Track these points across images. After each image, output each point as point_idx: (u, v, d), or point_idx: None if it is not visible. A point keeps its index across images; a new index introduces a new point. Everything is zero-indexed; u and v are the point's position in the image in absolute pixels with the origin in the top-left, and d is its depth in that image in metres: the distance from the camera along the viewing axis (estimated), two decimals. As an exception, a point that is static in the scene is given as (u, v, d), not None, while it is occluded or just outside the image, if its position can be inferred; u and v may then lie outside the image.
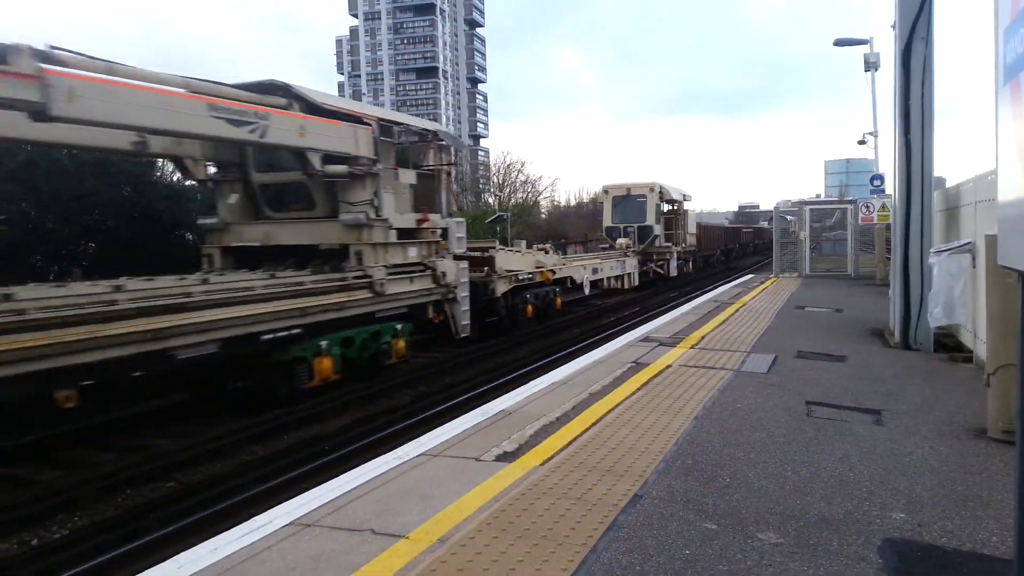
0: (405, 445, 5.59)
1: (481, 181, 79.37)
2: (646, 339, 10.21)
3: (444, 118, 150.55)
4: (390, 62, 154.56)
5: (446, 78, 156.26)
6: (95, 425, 8.84)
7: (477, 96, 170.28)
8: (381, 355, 12.11)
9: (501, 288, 16.09)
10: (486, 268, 15.79)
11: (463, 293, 14.26)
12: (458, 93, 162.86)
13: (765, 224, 59.07)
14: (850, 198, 31.70)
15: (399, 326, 12.56)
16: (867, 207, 21.70)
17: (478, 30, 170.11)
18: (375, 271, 11.85)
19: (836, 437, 5.49)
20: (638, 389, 7.06)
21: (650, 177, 30.32)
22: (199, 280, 9.75)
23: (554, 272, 19.01)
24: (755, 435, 5.51)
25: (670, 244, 29.64)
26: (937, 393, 6.95)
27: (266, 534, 3.87)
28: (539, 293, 18.21)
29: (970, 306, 8.21)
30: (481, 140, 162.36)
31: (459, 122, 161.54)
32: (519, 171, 69.86)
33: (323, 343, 10.68)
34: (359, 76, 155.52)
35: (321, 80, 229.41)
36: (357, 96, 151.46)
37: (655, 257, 28.95)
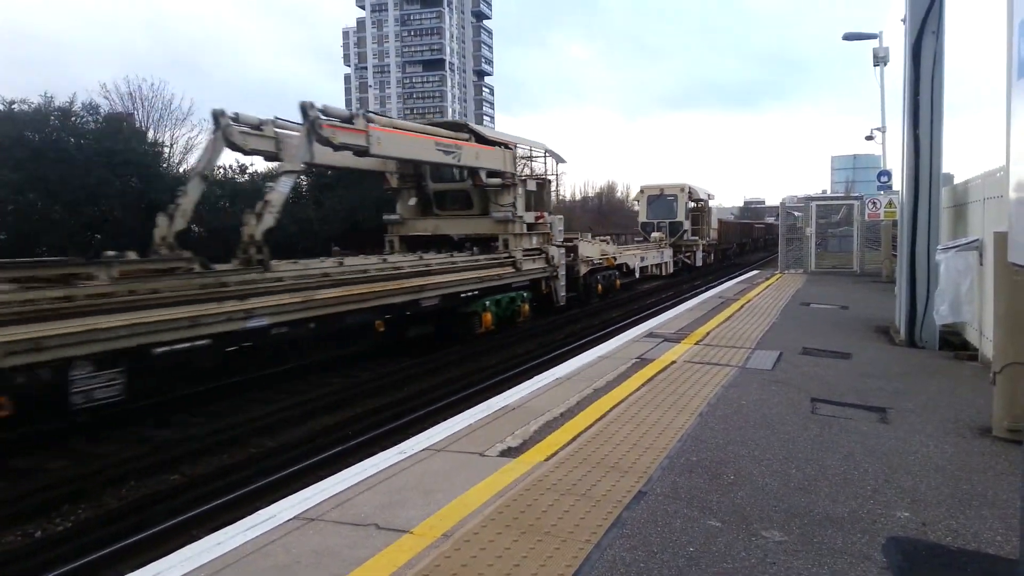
0: (410, 439, 5.59)
1: (487, 174, 79.14)
2: (651, 335, 10.19)
3: (450, 111, 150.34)
4: (397, 54, 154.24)
5: (452, 70, 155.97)
6: (102, 418, 8.86)
7: (483, 88, 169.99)
8: (515, 314, 16.78)
9: (583, 270, 20.80)
10: (572, 254, 20.11)
11: (562, 272, 19.00)
12: (464, 85, 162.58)
13: (771, 220, 60.30)
14: (856, 194, 31.62)
15: (525, 294, 17.31)
16: (874, 203, 21.60)
17: (485, 22, 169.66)
18: (516, 253, 16.93)
19: (841, 435, 5.48)
20: (642, 385, 7.05)
21: (679, 179, 36.05)
22: (411, 258, 14.70)
23: (615, 259, 23.72)
24: (760, 432, 5.50)
25: (696, 238, 33.79)
26: (942, 391, 6.92)
27: (271, 527, 3.88)
28: (606, 275, 22.89)
29: (976, 304, 8.18)
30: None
31: (465, 115, 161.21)
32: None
33: (487, 302, 15.49)
34: (365, 68, 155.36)
35: (328, 72, 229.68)
36: (363, 88, 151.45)
37: (683, 249, 32.68)
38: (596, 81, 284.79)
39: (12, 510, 6.66)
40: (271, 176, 20.82)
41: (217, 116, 11.96)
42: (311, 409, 10.09)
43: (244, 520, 4.13)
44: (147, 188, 17.62)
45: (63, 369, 7.21)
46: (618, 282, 23.93)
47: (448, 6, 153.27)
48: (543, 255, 18.28)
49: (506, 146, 17.42)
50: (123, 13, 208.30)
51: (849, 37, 25.38)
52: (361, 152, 12.65)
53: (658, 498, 4.19)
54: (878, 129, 28.07)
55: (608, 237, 25.47)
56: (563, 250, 19.22)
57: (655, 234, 31.35)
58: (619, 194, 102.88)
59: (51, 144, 19.59)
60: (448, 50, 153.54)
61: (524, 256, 17.23)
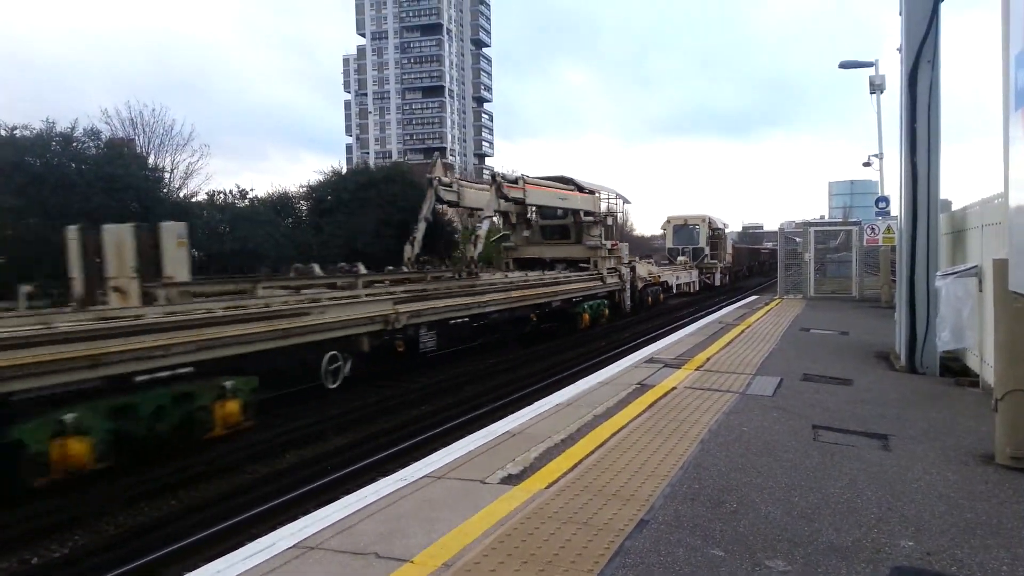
0: (410, 466, 5.57)
1: (486, 200, 79.46)
2: (651, 360, 10.17)
3: (449, 137, 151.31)
4: (396, 81, 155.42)
5: (452, 97, 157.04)
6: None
7: (483, 115, 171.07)
8: (599, 316, 22.82)
9: (640, 285, 26.80)
10: (632, 273, 25.91)
11: (628, 286, 25.25)
12: (464, 112, 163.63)
13: (770, 245, 63.11)
14: (855, 219, 31.85)
15: (605, 301, 23.51)
16: (872, 229, 21.67)
17: (484, 50, 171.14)
18: (603, 272, 23.48)
19: (843, 462, 5.45)
20: (643, 411, 7.03)
21: (700, 211, 42.02)
22: (535, 273, 20.99)
23: (660, 277, 30.05)
24: (762, 459, 5.47)
25: (715, 261, 39.56)
26: (944, 418, 6.90)
27: (269, 556, 3.84)
28: (653, 290, 28.66)
29: (977, 330, 8.18)
30: (486, 159, 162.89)
31: (464, 141, 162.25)
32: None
33: (586, 305, 21.77)
34: (366, 94, 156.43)
35: (328, 98, 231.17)
36: (364, 114, 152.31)
37: (704, 271, 38.16)
38: (594, 108, 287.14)
39: (7, 535, 6.61)
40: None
41: (431, 180, 18.60)
42: (319, 430, 10.06)
43: (243, 548, 4.10)
44: (147, 213, 17.66)
45: (417, 329, 13.84)
46: (662, 296, 30.28)
47: (448, 34, 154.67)
48: (617, 273, 24.58)
49: (593, 192, 25.03)
50: (124, 39, 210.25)
51: (845, 65, 25.57)
52: (519, 202, 21.09)
53: (660, 527, 4.15)
54: (875, 155, 28.20)
55: (652, 261, 32.49)
56: (628, 270, 25.50)
57: (680, 258, 36.81)
58: (618, 219, 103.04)
59: (52, 169, 19.66)
60: (448, 77, 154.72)
61: (607, 274, 23.73)
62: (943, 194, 9.52)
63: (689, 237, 39.07)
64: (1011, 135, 2.89)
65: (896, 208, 11.67)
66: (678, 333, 14.15)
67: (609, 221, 25.61)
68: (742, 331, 13.78)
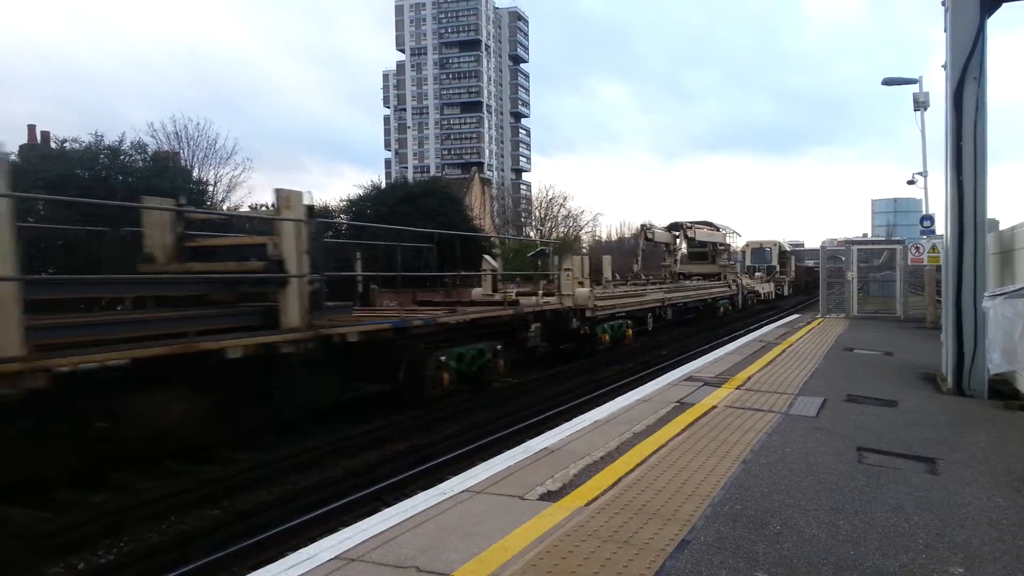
0: (448, 480, 5.59)
1: (523, 215, 79.76)
2: (690, 378, 10.10)
3: (487, 152, 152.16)
4: (435, 96, 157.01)
5: (490, 112, 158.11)
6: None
7: (520, 130, 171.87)
8: (726, 311, 31.94)
9: (744, 292, 35.80)
10: (738, 283, 35.22)
11: (740, 293, 34.80)
12: (501, 127, 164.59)
13: (811, 263, 64.45)
14: (898, 238, 31.47)
15: (728, 302, 32.94)
16: (917, 248, 21.31)
17: (522, 65, 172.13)
18: (729, 281, 34.14)
19: (889, 485, 5.35)
20: (683, 430, 6.97)
21: (771, 236, 53.25)
22: (693, 281, 32.94)
23: (755, 287, 39.37)
24: (805, 481, 5.39)
25: (783, 276, 48.33)
26: (993, 442, 6.75)
27: (312, 567, 3.88)
28: (750, 296, 37.55)
29: (1027, 352, 7.99)
30: (523, 174, 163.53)
31: (502, 156, 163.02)
32: (561, 205, 70.20)
33: (721, 302, 31.75)
34: (404, 109, 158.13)
35: (367, 112, 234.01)
36: (402, 129, 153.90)
37: (776, 283, 45.87)
38: (631, 123, 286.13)
39: (55, 542, 6.73)
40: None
41: (645, 229, 32.20)
42: (355, 444, 10.13)
43: (285, 559, 4.15)
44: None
45: (667, 308, 24.60)
46: (755, 301, 38.82)
47: (486, 50, 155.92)
48: (735, 283, 34.70)
49: (719, 228, 38.34)
50: (164, 55, 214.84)
51: (889, 82, 25.29)
52: (690, 239, 35.59)
53: (702, 547, 4.11)
54: (920, 173, 27.86)
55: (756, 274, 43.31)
56: (739, 281, 35.50)
57: (757, 274, 44.36)
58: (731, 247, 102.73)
59: (100, 181, 20.15)
60: (486, 93, 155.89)
61: (732, 283, 34.27)
62: (990, 213, 9.35)
63: (763, 257, 48.52)
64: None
65: (941, 227, 11.48)
66: (718, 351, 14.02)
67: (732, 248, 39.91)
68: (783, 350, 13.62)
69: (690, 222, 35.84)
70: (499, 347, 13.72)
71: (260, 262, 9.68)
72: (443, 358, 12.01)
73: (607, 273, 25.89)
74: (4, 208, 6.52)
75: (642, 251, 33.27)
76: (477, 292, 18.68)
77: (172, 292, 9.62)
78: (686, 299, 27.09)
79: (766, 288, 42.83)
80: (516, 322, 14.75)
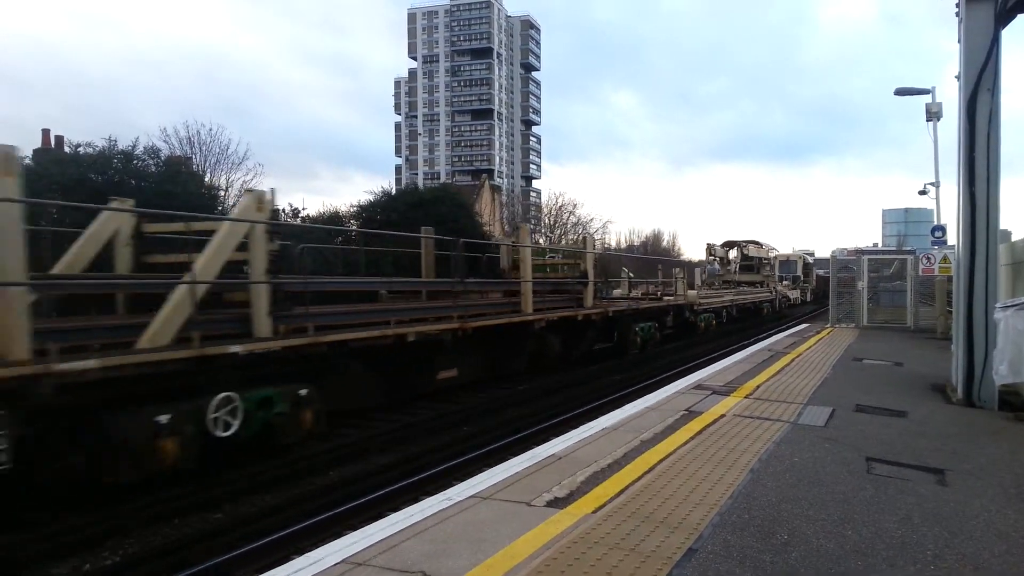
0: (455, 486, 5.59)
1: (532, 222, 79.83)
2: (699, 387, 10.07)
3: (497, 159, 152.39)
4: (446, 103, 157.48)
5: (501, 120, 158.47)
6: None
7: (531, 138, 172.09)
8: (766, 313, 38.70)
9: (779, 298, 42.35)
10: (775, 290, 41.97)
11: (777, 298, 41.27)
12: (512, 135, 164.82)
13: (821, 272, 66.55)
14: (909, 248, 31.46)
15: (770, 305, 39.51)
16: (928, 258, 21.21)
17: (534, 73, 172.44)
18: (771, 288, 41.49)
19: (898, 496, 5.32)
20: (691, 438, 6.95)
21: (781, 245, 60.00)
22: (741, 288, 39.98)
23: (787, 294, 45.38)
24: (813, 491, 5.37)
25: (807, 284, 54.37)
26: (1003, 453, 6.70)
27: (318, 571, 3.89)
28: (784, 300, 43.60)
29: (1038, 364, 7.93)
30: (533, 181, 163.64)
31: (512, 163, 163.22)
32: (571, 212, 70.26)
33: (763, 305, 38.43)
34: (415, 116, 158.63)
35: (377, 119, 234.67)
36: (413, 136, 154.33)
37: (800, 291, 51.79)
38: (642, 131, 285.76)
39: (59, 543, 6.76)
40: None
41: (710, 246, 43.97)
42: (364, 448, 10.16)
43: (290, 563, 4.15)
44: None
45: (724, 308, 30.63)
46: (787, 305, 44.83)
47: (498, 58, 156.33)
48: (775, 290, 41.22)
49: (762, 246, 45.69)
50: (179, 61, 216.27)
51: (901, 92, 25.18)
52: (746, 255, 44.86)
53: (709, 556, 4.10)
54: (931, 184, 27.70)
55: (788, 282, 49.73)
56: (777, 288, 42.08)
57: (784, 282, 48.80)
58: (664, 243, 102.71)
59: (113, 186, 20.25)
60: (497, 100, 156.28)
61: (773, 290, 40.53)
62: (1003, 224, 9.31)
63: (789, 268, 53.91)
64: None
65: (953, 237, 11.44)
66: (726, 360, 13.98)
67: (771, 260, 47.41)
68: (792, 359, 13.56)
69: (744, 241, 45.48)
70: (657, 325, 22.18)
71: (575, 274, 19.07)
72: (636, 328, 20.71)
73: (698, 280, 31.65)
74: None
75: (707, 265, 45.21)
76: (617, 292, 27.33)
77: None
78: (745, 301, 35.28)
79: (794, 294, 50.94)
80: (663, 311, 23.20)
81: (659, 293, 26.56)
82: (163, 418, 7.70)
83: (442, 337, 12.24)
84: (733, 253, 45.20)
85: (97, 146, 22.49)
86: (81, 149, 22.17)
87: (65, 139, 24.93)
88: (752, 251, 45.69)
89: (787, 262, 55.00)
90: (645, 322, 21.39)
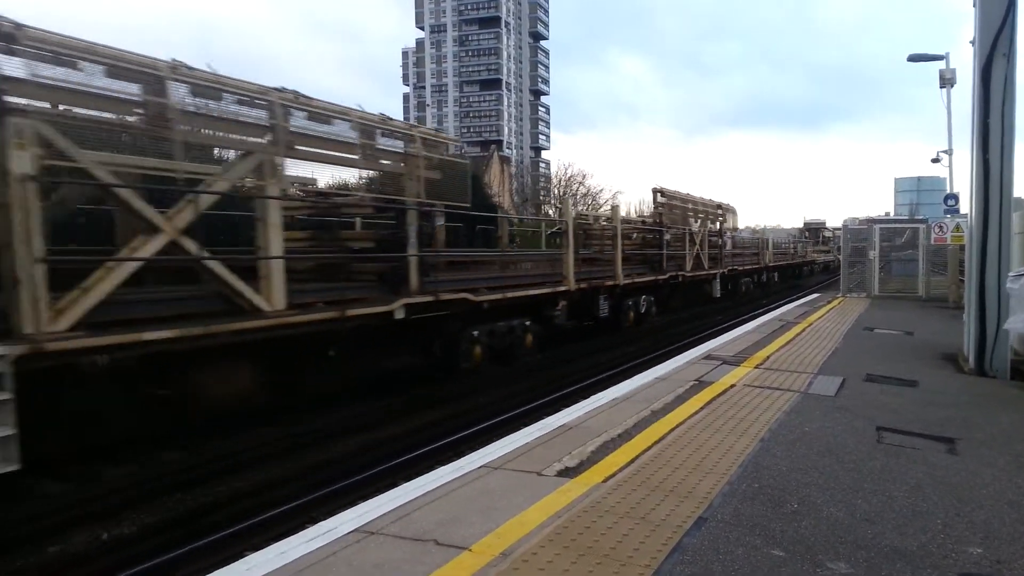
0: (467, 456, 5.63)
1: (542, 192, 79.48)
2: (708, 357, 10.07)
3: (506, 130, 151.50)
4: (454, 74, 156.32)
5: (509, 90, 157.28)
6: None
7: (539, 108, 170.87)
8: (804, 276, 50.42)
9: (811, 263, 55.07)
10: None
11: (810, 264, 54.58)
12: (520, 105, 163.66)
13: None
14: (921, 216, 31.20)
15: (807, 268, 51.83)
16: (940, 227, 21.02)
17: (542, 43, 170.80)
18: (806, 254, 55.50)
19: (908, 465, 5.33)
20: (701, 408, 6.97)
21: (794, 215, 66.90)
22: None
23: (815, 259, 55.32)
24: (823, 460, 5.38)
25: (830, 252, 58.80)
26: (1014, 422, 6.69)
27: (332, 539, 3.93)
28: (820, 264, 56.34)
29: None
30: (542, 152, 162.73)
31: (521, 133, 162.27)
32: (580, 183, 69.85)
33: (802, 269, 49.07)
34: (423, 87, 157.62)
35: (385, 90, 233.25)
36: (422, 107, 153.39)
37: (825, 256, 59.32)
38: (651, 98, 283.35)
39: (80, 512, 6.87)
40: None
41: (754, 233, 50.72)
42: (373, 419, 10.24)
43: (305, 531, 4.20)
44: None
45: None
46: (816, 269, 53.45)
47: (506, 27, 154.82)
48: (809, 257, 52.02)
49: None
50: (173, 25, 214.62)
51: (914, 58, 24.82)
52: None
53: (719, 525, 4.13)
54: (944, 151, 27.41)
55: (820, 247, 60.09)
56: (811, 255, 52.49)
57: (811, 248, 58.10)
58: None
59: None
60: (505, 70, 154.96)
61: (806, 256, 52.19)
62: (1017, 192, 9.22)
63: (815, 236, 62.21)
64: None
65: (965, 206, 11.35)
66: (737, 330, 13.97)
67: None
68: (803, 329, 13.54)
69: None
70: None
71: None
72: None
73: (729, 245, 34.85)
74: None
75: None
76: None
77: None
78: (780, 264, 40.99)
79: (822, 258, 58.53)
80: (712, 277, 25.76)
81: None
82: (475, 332, 12.41)
83: (558, 298, 15.05)
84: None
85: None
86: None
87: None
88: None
89: (814, 229, 64.91)
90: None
